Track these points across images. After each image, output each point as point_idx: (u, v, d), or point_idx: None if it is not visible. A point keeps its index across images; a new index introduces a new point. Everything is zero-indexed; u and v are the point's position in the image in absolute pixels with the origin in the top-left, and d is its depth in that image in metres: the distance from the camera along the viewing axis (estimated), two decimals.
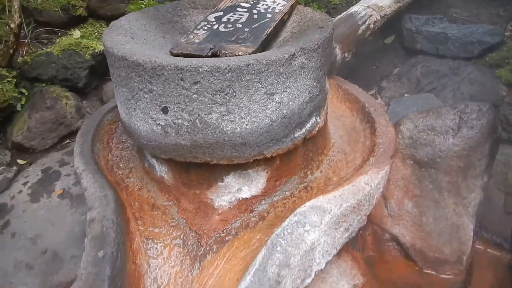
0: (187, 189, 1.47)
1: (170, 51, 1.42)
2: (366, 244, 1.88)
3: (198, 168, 1.42)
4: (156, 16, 1.63)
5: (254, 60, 1.18)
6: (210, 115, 1.24)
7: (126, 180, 1.57)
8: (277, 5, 1.58)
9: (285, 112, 1.30)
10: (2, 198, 1.94)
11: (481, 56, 2.43)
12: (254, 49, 1.35)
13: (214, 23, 1.51)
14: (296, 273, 1.24)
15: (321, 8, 2.63)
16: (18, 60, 2.24)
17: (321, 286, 1.57)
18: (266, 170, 1.44)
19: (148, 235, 1.40)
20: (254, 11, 1.56)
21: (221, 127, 1.26)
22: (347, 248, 1.74)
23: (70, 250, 1.78)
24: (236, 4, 1.64)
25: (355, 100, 1.87)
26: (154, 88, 1.23)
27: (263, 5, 1.59)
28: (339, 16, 2.22)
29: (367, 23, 2.19)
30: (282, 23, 1.55)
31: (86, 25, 2.54)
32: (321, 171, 1.58)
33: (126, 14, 2.36)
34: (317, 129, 1.46)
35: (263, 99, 1.24)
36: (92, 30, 2.53)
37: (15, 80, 2.22)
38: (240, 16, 1.53)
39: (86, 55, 2.34)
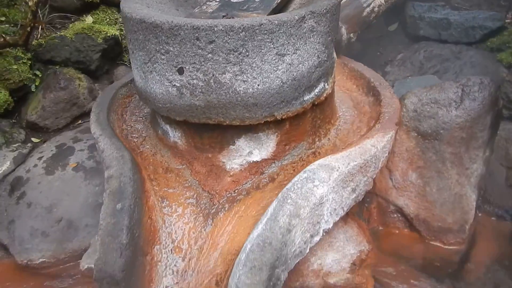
0: (200, 153, 1.53)
1: None
2: (371, 216, 1.93)
3: (211, 131, 1.48)
4: None
5: (266, 20, 1.24)
6: (224, 75, 1.30)
7: (140, 147, 1.63)
8: None
9: (295, 74, 1.36)
10: (18, 171, 2.00)
11: (483, 41, 2.50)
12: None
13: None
14: (306, 226, 1.29)
15: None
16: (33, 42, 2.31)
17: (328, 250, 1.63)
18: (276, 134, 1.50)
19: (163, 195, 1.45)
20: None
21: (234, 87, 1.32)
22: (353, 217, 1.80)
23: (85, 219, 1.84)
24: None
25: (361, 76, 1.93)
26: (171, 49, 1.29)
27: None
28: (344, 1, 2.29)
29: (371, 6, 2.26)
30: None
31: (98, 12, 2.62)
32: (329, 138, 1.63)
33: None
34: (325, 95, 1.52)
35: (274, 59, 1.30)
36: (104, 16, 2.61)
37: (29, 62, 2.30)
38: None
39: (99, 39, 2.41)
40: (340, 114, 1.77)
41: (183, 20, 1.25)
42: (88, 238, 1.82)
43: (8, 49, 2.18)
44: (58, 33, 2.38)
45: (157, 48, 1.31)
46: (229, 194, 1.46)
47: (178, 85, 1.34)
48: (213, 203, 1.45)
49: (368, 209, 1.92)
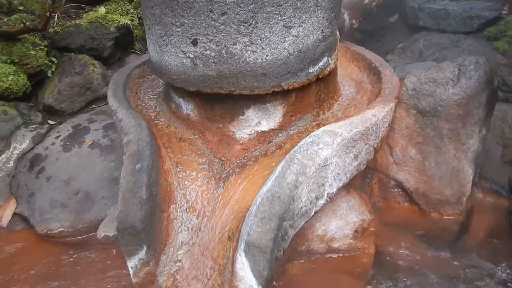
0: (211, 124, 1.63)
1: None
2: (373, 192, 2.01)
3: (222, 103, 1.58)
4: None
5: None
6: (235, 46, 1.40)
7: (155, 121, 1.74)
8: None
9: (301, 46, 1.47)
10: (37, 149, 2.11)
11: (480, 30, 2.60)
12: None
13: None
14: (311, 185, 1.39)
15: None
16: (50, 30, 2.43)
17: (332, 217, 1.72)
18: (283, 105, 1.60)
19: (177, 161, 1.56)
20: None
21: (244, 57, 1.42)
22: (356, 190, 1.89)
23: (101, 192, 1.94)
24: None
25: (362, 58, 2.03)
26: (186, 21, 1.40)
27: None
28: None
29: None
30: None
31: (110, 3, 2.74)
32: (332, 112, 1.73)
33: None
34: (328, 69, 1.62)
35: (281, 31, 1.41)
36: (116, 7, 2.73)
37: (46, 48, 2.41)
38: None
39: (111, 27, 2.53)
40: (342, 92, 1.87)
41: None
42: (104, 209, 1.91)
43: (26, 35, 2.29)
44: (73, 21, 2.49)
45: (173, 21, 1.42)
46: (239, 160, 1.56)
47: (192, 56, 1.45)
48: (224, 168, 1.55)
49: (369, 185, 2.02)
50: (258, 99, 1.56)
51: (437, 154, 1.89)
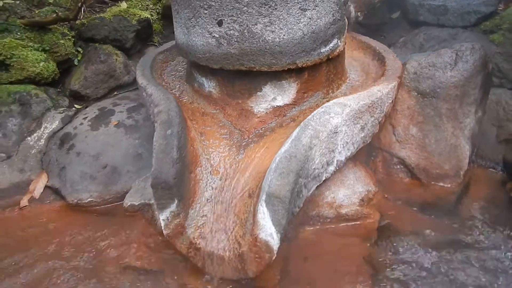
0: (231, 99, 1.80)
1: None
2: (377, 169, 2.18)
3: (241, 80, 1.76)
4: None
5: None
6: (256, 26, 1.58)
7: (179, 98, 1.91)
8: None
9: (314, 27, 1.64)
10: (66, 129, 2.29)
11: (477, 24, 2.78)
12: None
13: None
14: (323, 149, 1.56)
15: None
16: (77, 22, 2.62)
17: (340, 186, 1.89)
18: (297, 82, 1.78)
19: (201, 131, 1.73)
20: None
21: (264, 36, 1.60)
22: (362, 164, 2.06)
23: (126, 166, 2.11)
24: None
25: (367, 46, 2.21)
26: (213, 4, 1.58)
27: None
28: None
29: None
30: None
31: None
32: (340, 91, 1.91)
33: None
34: (338, 51, 1.80)
35: (297, 13, 1.59)
36: (137, 3, 2.92)
37: (73, 39, 2.60)
38: None
39: (133, 20, 2.72)
40: (350, 75, 2.05)
41: None
42: (130, 182, 2.08)
43: (56, 26, 2.48)
44: (98, 15, 2.68)
45: (201, 4, 1.60)
46: (257, 131, 1.73)
47: (217, 36, 1.63)
48: (243, 137, 1.72)
49: (374, 162, 2.18)
50: (275, 76, 1.73)
51: (437, 132, 2.06)
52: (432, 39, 2.77)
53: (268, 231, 1.40)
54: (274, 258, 1.45)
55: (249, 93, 1.77)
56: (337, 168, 1.74)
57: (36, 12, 2.51)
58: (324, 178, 1.68)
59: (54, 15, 2.32)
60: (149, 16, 2.80)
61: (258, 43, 1.61)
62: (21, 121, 2.27)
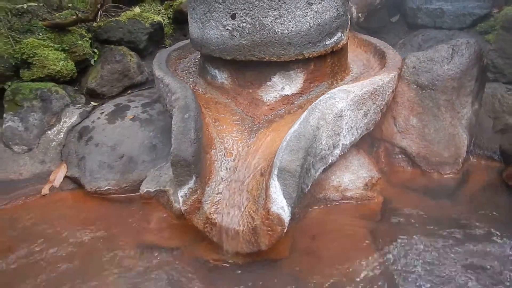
0: (242, 89, 1.93)
1: None
2: (379, 159, 2.29)
3: (252, 71, 1.89)
4: None
5: None
6: (266, 18, 1.72)
7: (193, 89, 2.04)
8: None
9: (320, 20, 1.78)
10: (84, 123, 2.42)
11: (473, 26, 2.93)
12: None
13: None
14: (330, 131, 1.68)
15: None
16: (94, 24, 2.77)
17: (345, 171, 2.01)
18: (304, 73, 1.91)
19: (215, 118, 1.85)
20: None
21: (273, 28, 1.74)
22: (365, 152, 2.18)
23: (142, 156, 2.23)
24: None
25: (369, 43, 2.35)
26: None
27: None
28: None
29: None
30: None
31: (144, 4, 3.10)
32: (344, 83, 2.03)
33: None
34: (341, 44, 1.94)
35: (305, 7, 1.73)
36: (149, 8, 3.08)
37: (90, 40, 2.75)
38: None
39: (146, 23, 2.87)
40: (352, 69, 2.18)
41: None
42: (145, 171, 2.20)
43: (75, 27, 2.63)
44: (113, 18, 2.84)
45: None
46: (267, 117, 1.86)
47: (230, 28, 1.77)
48: (254, 123, 1.84)
49: (376, 153, 2.30)
50: (283, 67, 1.86)
51: (436, 122, 2.18)
52: (430, 40, 2.91)
53: (280, 204, 1.51)
54: (285, 230, 1.56)
55: (259, 83, 1.90)
56: (343, 153, 1.86)
57: (56, 15, 2.66)
58: (330, 161, 1.80)
59: (75, 16, 2.46)
60: (161, 19, 2.95)
61: (268, 34, 1.74)
62: (42, 116, 2.40)
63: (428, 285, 1.51)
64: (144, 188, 2.08)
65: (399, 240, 1.74)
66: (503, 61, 2.47)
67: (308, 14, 1.74)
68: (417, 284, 1.53)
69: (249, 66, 1.86)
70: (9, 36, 2.48)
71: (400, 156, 2.27)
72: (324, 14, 1.77)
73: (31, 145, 2.35)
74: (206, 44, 1.87)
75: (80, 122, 2.45)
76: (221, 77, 1.97)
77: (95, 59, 2.74)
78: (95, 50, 2.76)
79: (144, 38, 2.83)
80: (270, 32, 1.73)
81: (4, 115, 2.37)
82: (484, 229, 1.79)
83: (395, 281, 1.55)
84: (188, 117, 1.65)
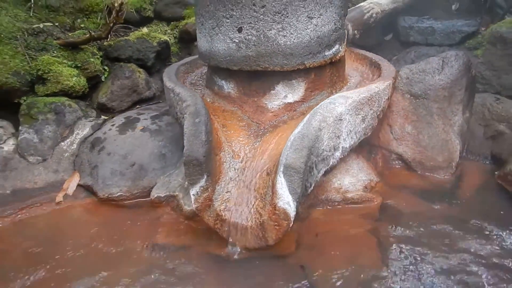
0: (248, 98, 2.07)
1: None
2: (377, 165, 2.42)
3: (257, 80, 2.03)
4: None
5: None
6: (270, 31, 1.88)
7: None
8: None
9: (319, 33, 1.94)
10: (96, 134, 2.54)
11: (462, 43, 3.11)
12: None
13: None
14: (331, 133, 1.81)
15: None
16: (104, 43, 2.93)
17: (346, 174, 2.13)
18: (305, 82, 2.05)
19: (223, 123, 1.99)
20: None
21: (277, 40, 1.89)
22: (364, 157, 2.30)
23: (152, 164, 2.34)
24: None
25: (364, 57, 2.51)
26: (234, 13, 1.88)
27: None
28: (351, 8, 2.94)
29: (370, 12, 2.89)
30: None
31: (151, 25, 3.28)
32: (342, 92, 2.18)
33: (183, 16, 3.12)
34: (339, 56, 2.09)
35: (305, 20, 1.89)
36: (156, 28, 3.26)
37: (101, 58, 2.90)
38: None
39: (154, 42, 3.04)
40: (350, 80, 2.33)
41: None
42: (155, 178, 2.31)
43: (87, 46, 2.79)
44: (123, 37, 3.00)
45: (224, 14, 1.90)
46: (271, 123, 1.99)
47: (237, 41, 1.92)
48: (260, 128, 1.98)
49: (374, 159, 2.43)
50: (286, 76, 2.01)
51: (429, 129, 2.32)
52: (422, 56, 3.08)
53: (286, 199, 1.63)
54: (291, 225, 1.66)
55: (264, 92, 2.04)
56: (343, 156, 1.99)
57: (70, 34, 2.82)
58: (331, 163, 1.92)
59: (88, 35, 2.62)
60: (167, 38, 3.12)
61: (272, 46, 1.89)
62: (56, 128, 2.53)
63: (425, 274, 1.61)
64: (154, 194, 2.19)
65: (397, 236, 1.85)
66: (491, 73, 2.63)
67: (309, 27, 1.89)
68: (414, 273, 1.63)
69: (254, 76, 2.00)
70: (26, 54, 2.63)
71: (397, 162, 2.40)
72: (323, 27, 1.93)
73: (45, 155, 2.47)
74: (214, 56, 2.01)
75: (92, 134, 2.57)
76: (228, 87, 2.11)
77: (105, 75, 2.88)
78: (106, 67, 2.91)
79: (152, 56, 2.99)
80: (274, 44, 1.88)
81: (20, 128, 2.49)
82: (477, 225, 1.89)
83: (394, 271, 1.64)
84: (199, 121, 1.78)
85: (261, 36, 1.87)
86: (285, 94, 2.04)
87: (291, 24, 1.86)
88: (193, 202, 1.73)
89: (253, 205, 1.72)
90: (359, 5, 2.96)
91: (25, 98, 2.61)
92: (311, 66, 1.97)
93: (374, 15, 2.92)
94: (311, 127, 1.72)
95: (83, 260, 1.79)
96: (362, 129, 1.99)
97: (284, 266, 1.71)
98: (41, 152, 2.47)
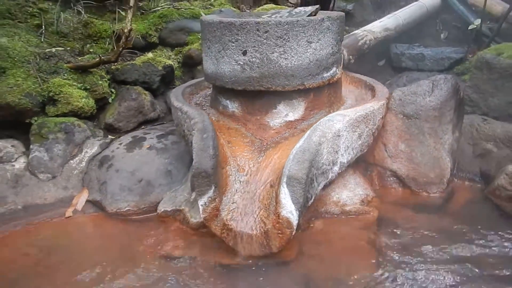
0: (251, 117, 2.21)
1: None
2: (373, 181, 2.54)
3: (260, 100, 2.18)
4: (231, 14, 2.49)
5: (301, 18, 2.01)
6: (273, 54, 2.03)
7: None
8: (306, 9, 2.45)
9: (318, 56, 2.10)
10: (104, 152, 2.65)
11: (450, 68, 3.30)
12: None
13: (269, 15, 2.37)
14: (330, 147, 1.94)
15: None
16: (112, 67, 3.08)
17: (343, 189, 2.25)
18: (304, 101, 2.20)
19: (228, 140, 2.12)
20: (293, 12, 2.43)
21: (279, 62, 2.05)
22: (360, 172, 2.43)
23: (158, 180, 2.45)
24: (279, 10, 2.52)
25: (359, 80, 2.68)
26: (239, 38, 2.04)
27: (296, 10, 2.46)
28: (346, 35, 3.13)
29: (364, 39, 3.08)
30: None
31: (156, 50, 3.44)
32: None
33: (187, 42, 3.30)
34: (336, 78, 2.25)
35: (305, 45, 2.05)
36: (161, 53, 3.42)
37: (108, 81, 3.05)
38: (283, 14, 2.39)
39: (159, 66, 3.20)
40: (346, 101, 2.49)
41: (249, 19, 2.02)
42: (161, 193, 2.42)
43: (96, 69, 2.94)
44: (130, 62, 3.16)
45: (230, 38, 2.06)
46: (274, 140, 2.13)
47: (241, 63, 2.07)
48: (263, 144, 2.11)
49: (370, 176, 2.55)
50: (287, 96, 2.16)
51: (421, 147, 2.46)
52: (413, 81, 3.24)
53: (289, 208, 1.74)
54: (293, 233, 1.77)
55: (266, 110, 2.18)
56: (341, 170, 2.11)
57: (79, 59, 2.98)
58: (330, 177, 2.05)
59: (98, 59, 2.77)
60: (172, 63, 3.29)
61: (274, 68, 2.04)
62: (65, 147, 2.64)
63: (418, 279, 1.72)
64: (161, 208, 2.29)
65: (393, 245, 1.96)
66: (478, 96, 2.80)
67: (308, 51, 2.05)
68: (409, 278, 1.74)
69: (257, 96, 2.15)
70: (38, 77, 2.77)
71: (391, 178, 2.52)
72: (321, 51, 2.09)
73: (55, 173, 2.57)
74: (220, 77, 2.16)
75: (100, 152, 2.68)
76: (232, 106, 2.25)
77: (112, 97, 3.02)
78: (113, 90, 3.05)
79: (157, 79, 3.14)
80: (276, 66, 2.04)
81: (31, 146, 2.60)
82: (467, 234, 2.01)
83: (390, 276, 1.75)
84: (207, 137, 1.91)
85: (264, 58, 2.02)
86: (286, 112, 2.18)
87: (292, 47, 2.02)
88: (201, 212, 1.83)
89: (258, 214, 1.83)
90: (353, 32, 3.15)
91: (36, 118, 2.73)
92: (310, 86, 2.12)
93: (367, 42, 3.11)
94: (312, 141, 1.85)
95: (91, 270, 1.87)
96: (358, 145, 2.12)
97: (287, 273, 1.81)
98: (51, 169, 2.57)
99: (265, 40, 2.01)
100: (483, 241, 1.96)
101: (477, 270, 1.78)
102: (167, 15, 3.51)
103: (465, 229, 2.06)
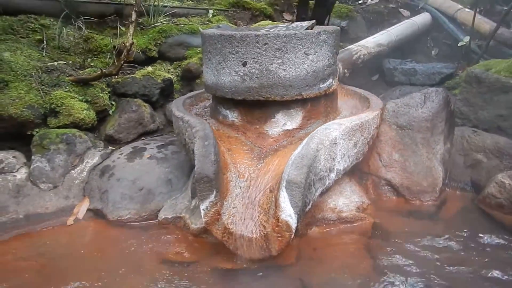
0: (250, 126, 2.28)
1: None
2: (368, 190, 2.60)
3: (259, 109, 2.25)
4: (229, 29, 2.59)
5: (298, 31, 2.11)
6: (271, 65, 2.12)
7: None
8: (302, 24, 2.55)
9: (315, 68, 2.19)
10: (105, 162, 2.70)
11: (441, 83, 3.41)
12: None
13: (267, 30, 2.47)
14: (327, 154, 2.01)
15: None
16: (112, 80, 3.16)
17: (340, 196, 2.31)
18: (302, 111, 2.28)
19: (228, 148, 2.18)
20: (290, 27, 2.53)
21: (277, 73, 2.13)
22: (356, 181, 2.50)
23: (159, 188, 2.51)
24: (276, 25, 2.63)
25: (354, 93, 2.77)
26: (239, 50, 2.13)
27: (293, 25, 2.57)
28: (341, 50, 3.24)
29: (358, 54, 3.19)
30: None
31: (156, 64, 3.53)
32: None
33: (185, 56, 3.39)
34: (332, 89, 2.33)
35: (302, 56, 2.14)
36: (160, 67, 3.51)
37: (109, 93, 3.12)
38: (280, 28, 2.50)
39: (159, 79, 3.28)
40: (342, 111, 2.57)
41: (249, 32, 2.11)
42: (162, 201, 2.46)
43: (97, 82, 3.01)
44: (130, 75, 3.24)
45: (230, 50, 2.15)
46: (272, 147, 2.20)
47: (241, 74, 2.16)
48: (262, 152, 2.17)
49: (365, 185, 2.62)
50: (285, 106, 2.23)
51: (414, 157, 2.54)
52: (405, 94, 3.33)
53: (288, 212, 1.80)
54: (292, 236, 1.83)
55: (265, 120, 2.26)
56: (337, 178, 2.18)
57: (81, 72, 3.05)
58: (327, 184, 2.11)
59: (99, 72, 2.85)
60: (171, 76, 3.37)
61: (273, 78, 2.13)
62: (67, 157, 2.68)
63: (413, 283, 1.78)
64: (162, 215, 2.34)
65: (388, 250, 2.02)
66: (468, 109, 2.90)
67: (305, 62, 2.14)
68: (403, 281, 1.79)
69: (257, 105, 2.22)
70: (40, 89, 2.83)
71: (386, 187, 2.59)
72: (318, 62, 2.18)
73: (57, 183, 2.61)
74: (220, 87, 2.24)
75: (101, 162, 2.73)
76: (232, 116, 2.32)
77: (113, 109, 3.08)
78: (113, 102, 3.12)
79: (156, 92, 3.21)
80: (275, 76, 2.12)
81: (32, 157, 2.64)
82: (459, 240, 2.08)
83: (385, 279, 1.81)
84: (208, 144, 1.97)
85: (264, 69, 2.11)
86: (285, 122, 2.25)
87: (290, 59, 2.11)
88: (203, 216, 1.88)
89: (258, 218, 1.88)
90: (348, 47, 3.27)
91: (37, 130, 2.77)
92: (307, 97, 2.20)
93: (361, 56, 3.23)
94: (310, 148, 1.92)
95: (93, 277, 1.90)
96: (354, 153, 2.20)
97: (286, 276, 1.86)
98: (52, 179, 2.61)
99: (264, 52, 2.09)
100: (474, 245, 2.03)
101: (469, 273, 1.84)
102: (166, 31, 3.61)
103: (457, 235, 2.12)
